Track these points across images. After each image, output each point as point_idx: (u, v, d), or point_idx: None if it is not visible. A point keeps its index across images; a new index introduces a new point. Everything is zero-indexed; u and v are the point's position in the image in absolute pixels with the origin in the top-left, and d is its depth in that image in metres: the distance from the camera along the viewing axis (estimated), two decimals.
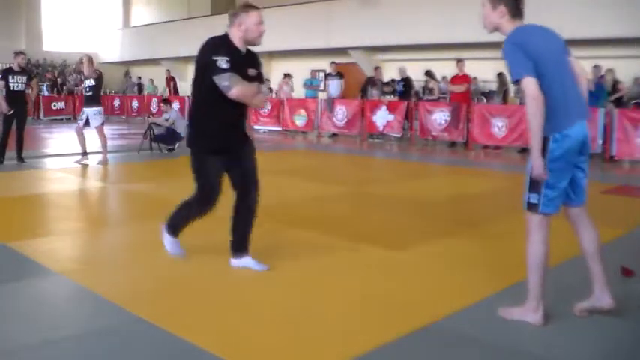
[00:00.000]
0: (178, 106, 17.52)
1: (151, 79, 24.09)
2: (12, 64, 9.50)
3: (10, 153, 9.21)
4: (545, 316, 3.15)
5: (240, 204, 3.98)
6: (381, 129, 14.09)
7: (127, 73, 27.58)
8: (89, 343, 2.90)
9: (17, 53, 9.54)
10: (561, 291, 3.69)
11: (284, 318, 3.24)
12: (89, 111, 9.23)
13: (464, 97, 13.06)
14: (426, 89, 15.16)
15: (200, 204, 3.98)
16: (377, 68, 15.93)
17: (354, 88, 17.97)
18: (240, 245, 4.04)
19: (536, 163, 2.98)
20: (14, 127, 9.20)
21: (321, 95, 16.93)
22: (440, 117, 13.06)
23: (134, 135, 14.09)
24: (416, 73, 15.30)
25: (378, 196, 7.04)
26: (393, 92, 15.00)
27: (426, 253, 4.53)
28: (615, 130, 10.47)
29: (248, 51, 3.86)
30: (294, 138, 15.22)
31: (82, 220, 5.85)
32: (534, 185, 3.07)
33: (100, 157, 9.31)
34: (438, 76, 15.53)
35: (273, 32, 23.17)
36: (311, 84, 17.33)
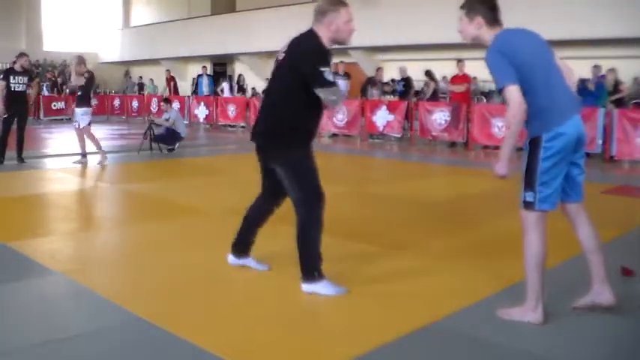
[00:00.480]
0: (178, 106, 17.53)
1: (151, 79, 24.10)
2: (13, 65, 9.50)
3: (10, 153, 9.21)
4: (544, 314, 3.15)
5: (267, 207, 3.89)
6: (381, 129, 14.09)
7: (127, 73, 27.61)
8: (89, 343, 2.89)
9: (20, 55, 9.55)
10: (561, 291, 3.69)
11: (284, 318, 3.24)
12: (77, 111, 9.24)
13: (464, 97, 13.06)
14: (421, 90, 15.20)
15: (319, 209, 3.56)
16: (379, 69, 15.92)
17: (355, 88, 17.97)
18: (246, 247, 3.97)
19: (503, 163, 3.06)
20: (14, 127, 9.20)
21: None
22: (440, 117, 13.06)
23: (134, 135, 14.08)
24: (416, 73, 15.30)
25: (377, 196, 7.04)
26: (393, 92, 15.00)
27: (426, 253, 4.53)
28: (615, 130, 10.47)
29: None
30: None
31: (82, 220, 5.85)
32: (529, 183, 3.08)
33: (98, 157, 9.29)
34: (438, 76, 15.54)
35: (274, 32, 23.16)
36: None
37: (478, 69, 14.52)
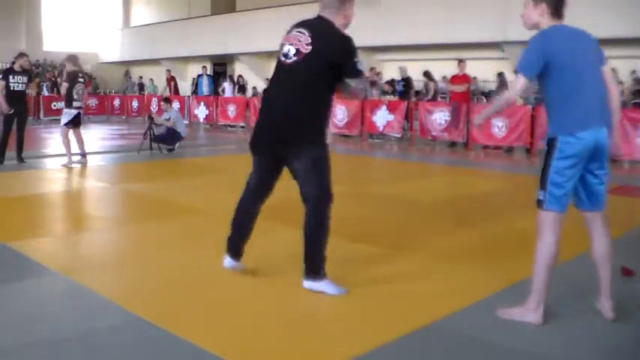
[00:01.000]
0: (178, 106, 17.53)
1: (151, 79, 24.10)
2: (13, 65, 9.50)
3: (10, 153, 9.20)
4: (544, 316, 3.15)
5: (258, 207, 3.81)
6: (381, 129, 14.09)
7: (127, 73, 27.60)
8: (89, 343, 2.89)
9: (20, 55, 9.54)
10: (561, 291, 3.69)
11: (284, 318, 3.24)
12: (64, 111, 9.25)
13: (464, 97, 13.06)
14: (422, 91, 15.20)
15: (330, 208, 3.62)
16: (372, 69, 15.90)
17: None
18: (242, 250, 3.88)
19: (480, 115, 3.54)
20: (14, 127, 9.20)
21: None
22: (440, 117, 13.06)
23: (134, 135, 14.08)
24: (416, 73, 15.31)
25: (377, 196, 7.04)
26: (393, 92, 15.00)
27: (426, 253, 4.53)
28: (615, 130, 10.45)
29: None
30: None
31: (82, 220, 5.85)
32: (542, 182, 3.13)
33: (65, 158, 9.07)
34: (438, 76, 15.54)
35: (274, 32, 23.02)
36: None
37: (478, 69, 14.60)
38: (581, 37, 3.17)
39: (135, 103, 21.58)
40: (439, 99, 15.07)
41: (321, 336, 3.02)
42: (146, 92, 23.01)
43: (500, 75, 14.35)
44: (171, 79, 21.16)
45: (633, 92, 13.03)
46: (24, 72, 9.38)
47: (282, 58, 3.54)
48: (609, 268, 3.22)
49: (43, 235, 4.98)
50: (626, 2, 12.67)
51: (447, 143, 13.24)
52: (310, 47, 3.44)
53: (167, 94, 20.39)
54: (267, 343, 2.92)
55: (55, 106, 20.51)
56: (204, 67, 21.55)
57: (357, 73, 3.45)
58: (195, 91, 20.56)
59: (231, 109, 17.71)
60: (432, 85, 14.88)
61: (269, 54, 21.46)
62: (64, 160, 9.05)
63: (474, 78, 14.05)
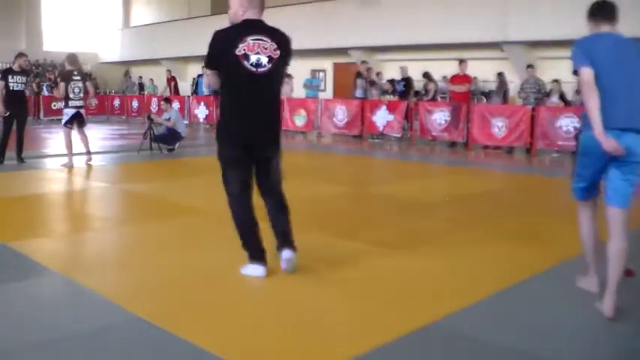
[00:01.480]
0: (178, 106, 17.53)
1: (151, 79, 24.09)
2: (12, 65, 9.50)
3: (10, 153, 9.21)
4: (599, 284, 3.48)
5: (251, 200, 4.04)
6: (381, 129, 14.09)
7: (126, 73, 27.58)
8: (89, 343, 2.89)
9: (19, 55, 9.54)
10: (561, 291, 3.69)
11: (284, 318, 3.24)
12: None
13: (464, 97, 13.05)
14: (421, 92, 15.20)
15: None
16: (369, 69, 15.88)
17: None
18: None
19: (601, 139, 3.15)
20: (14, 127, 9.20)
21: (322, 95, 16.91)
22: (440, 117, 13.06)
23: (134, 135, 14.08)
24: (416, 73, 15.31)
25: (377, 196, 7.04)
26: (393, 92, 15.02)
27: (426, 253, 4.53)
28: None
29: None
30: (294, 138, 15.22)
31: (81, 220, 5.85)
32: (572, 171, 3.54)
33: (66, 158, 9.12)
34: (438, 76, 15.54)
35: None
36: (311, 84, 17.34)
37: (478, 69, 14.61)
38: (619, 43, 3.36)
39: (135, 103, 21.58)
40: (439, 99, 15.08)
41: (321, 336, 3.02)
42: (146, 92, 23.00)
43: (500, 75, 14.36)
44: (171, 79, 21.14)
45: None
46: (23, 72, 9.39)
47: (253, 68, 3.63)
48: (616, 267, 3.25)
49: (43, 235, 4.98)
50: (626, 2, 12.64)
51: (447, 143, 13.25)
52: (278, 52, 3.69)
53: (167, 94, 20.38)
54: (267, 343, 2.92)
55: (55, 106, 20.52)
56: (204, 67, 21.50)
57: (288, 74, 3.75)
58: (195, 91, 20.55)
59: None
60: (431, 85, 14.88)
61: None
62: (65, 160, 9.05)
63: (474, 78, 14.04)
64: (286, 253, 3.84)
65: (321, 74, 20.51)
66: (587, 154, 3.34)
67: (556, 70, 13.81)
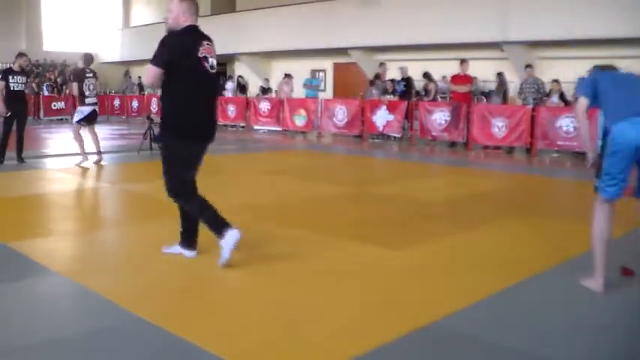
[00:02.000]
0: None
1: None
2: (12, 65, 9.50)
3: (10, 153, 9.21)
4: (605, 285, 3.56)
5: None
6: (381, 129, 14.09)
7: (126, 73, 27.58)
8: (89, 343, 2.89)
9: (19, 55, 9.54)
10: (562, 291, 3.70)
11: (284, 318, 3.24)
12: None
13: (465, 97, 13.05)
14: (421, 92, 15.19)
15: None
16: (381, 65, 15.85)
17: (355, 88, 17.96)
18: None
19: (589, 157, 3.79)
20: (14, 127, 9.20)
21: (322, 95, 16.90)
22: (440, 117, 13.07)
23: (134, 135, 14.08)
24: (416, 73, 15.31)
25: (377, 196, 7.04)
26: (393, 92, 15.02)
27: (426, 253, 4.53)
28: None
29: None
30: (293, 138, 15.22)
31: (81, 220, 5.85)
32: (598, 172, 3.67)
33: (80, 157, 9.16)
34: (438, 76, 15.53)
35: (274, 32, 23.12)
36: (311, 84, 17.34)
37: (478, 69, 14.61)
38: (625, 80, 3.77)
39: (135, 103, 21.58)
40: (439, 99, 15.08)
41: (321, 336, 3.02)
42: (146, 92, 23.00)
43: (500, 75, 14.36)
44: None
45: None
46: (23, 72, 9.39)
47: (210, 70, 4.03)
48: None
49: (43, 235, 4.97)
50: (626, 2, 12.63)
51: (447, 143, 13.25)
52: (215, 56, 4.11)
53: None
54: (267, 343, 2.92)
55: (55, 106, 20.55)
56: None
57: None
58: None
59: (231, 109, 17.72)
60: (432, 86, 14.88)
61: (269, 54, 21.49)
62: (78, 159, 9.08)
63: (475, 78, 14.05)
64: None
65: (321, 74, 20.52)
66: (617, 151, 3.47)
67: (556, 70, 13.82)
